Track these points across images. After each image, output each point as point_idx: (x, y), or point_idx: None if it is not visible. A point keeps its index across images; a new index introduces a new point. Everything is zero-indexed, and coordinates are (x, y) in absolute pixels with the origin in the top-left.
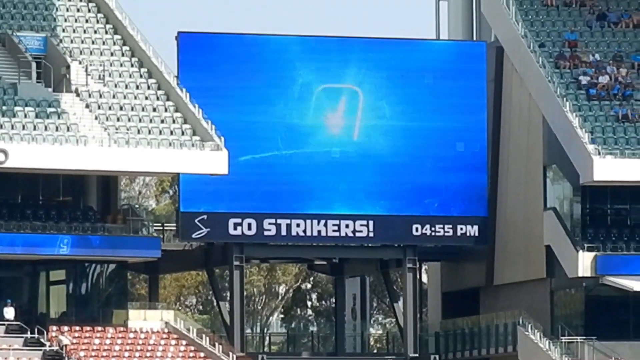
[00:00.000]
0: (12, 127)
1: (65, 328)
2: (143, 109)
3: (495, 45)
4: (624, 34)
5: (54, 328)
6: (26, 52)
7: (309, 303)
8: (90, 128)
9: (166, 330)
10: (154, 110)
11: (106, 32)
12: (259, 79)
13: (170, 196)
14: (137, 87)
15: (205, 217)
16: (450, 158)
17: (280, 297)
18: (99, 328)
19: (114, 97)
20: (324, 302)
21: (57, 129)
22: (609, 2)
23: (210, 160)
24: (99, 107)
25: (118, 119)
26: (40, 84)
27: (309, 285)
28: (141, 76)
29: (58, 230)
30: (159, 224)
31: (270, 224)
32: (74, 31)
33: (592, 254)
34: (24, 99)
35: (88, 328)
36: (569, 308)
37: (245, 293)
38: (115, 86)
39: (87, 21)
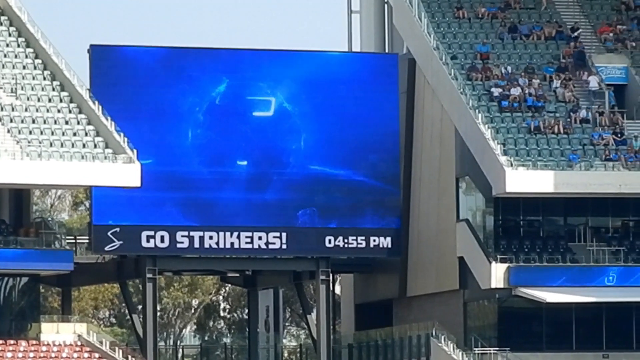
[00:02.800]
0: None
1: None
2: (55, 122)
3: (408, 57)
4: (536, 46)
5: None
6: None
7: (222, 313)
8: (2, 141)
9: (79, 343)
10: (67, 123)
11: (18, 46)
12: (171, 91)
13: (86, 209)
14: (50, 100)
15: (118, 229)
16: (363, 170)
17: (193, 310)
18: (12, 341)
19: (26, 110)
20: (236, 314)
21: None
22: (520, 15)
23: (123, 173)
24: (11, 121)
25: (30, 132)
26: None
27: (221, 297)
28: (53, 89)
29: None
30: (72, 237)
31: (183, 236)
32: None
33: (504, 266)
34: None
35: (0, 342)
36: (482, 319)
37: (158, 306)
38: (28, 99)
39: None
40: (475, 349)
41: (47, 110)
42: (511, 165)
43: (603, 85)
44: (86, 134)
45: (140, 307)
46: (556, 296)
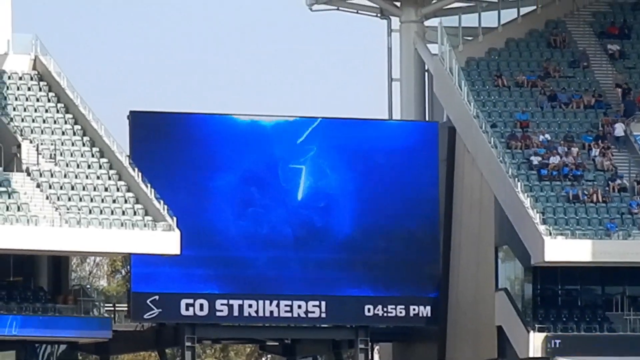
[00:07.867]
0: None
1: None
2: (95, 189)
3: (448, 125)
4: (575, 115)
5: None
6: None
7: None
8: (41, 208)
9: None
10: (106, 189)
11: (57, 111)
12: (210, 158)
13: (123, 276)
14: (89, 167)
15: (157, 297)
16: (402, 238)
17: None
18: None
19: (65, 176)
20: None
21: (7, 209)
22: (559, 83)
23: (162, 240)
24: (50, 187)
25: (69, 199)
26: None
27: None
28: (93, 155)
29: (8, 310)
30: (110, 304)
31: (222, 304)
32: (24, 110)
33: (542, 335)
34: None
35: None
36: None
37: None
38: (67, 165)
39: (38, 100)
40: None
41: (86, 177)
42: (550, 234)
43: (628, 130)
44: (125, 201)
45: None
46: None
